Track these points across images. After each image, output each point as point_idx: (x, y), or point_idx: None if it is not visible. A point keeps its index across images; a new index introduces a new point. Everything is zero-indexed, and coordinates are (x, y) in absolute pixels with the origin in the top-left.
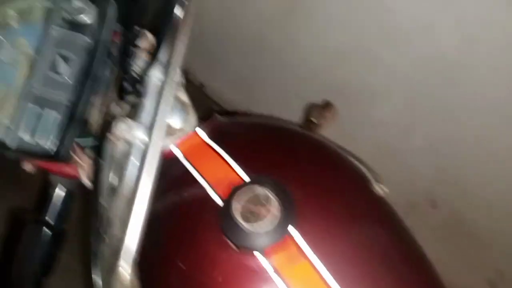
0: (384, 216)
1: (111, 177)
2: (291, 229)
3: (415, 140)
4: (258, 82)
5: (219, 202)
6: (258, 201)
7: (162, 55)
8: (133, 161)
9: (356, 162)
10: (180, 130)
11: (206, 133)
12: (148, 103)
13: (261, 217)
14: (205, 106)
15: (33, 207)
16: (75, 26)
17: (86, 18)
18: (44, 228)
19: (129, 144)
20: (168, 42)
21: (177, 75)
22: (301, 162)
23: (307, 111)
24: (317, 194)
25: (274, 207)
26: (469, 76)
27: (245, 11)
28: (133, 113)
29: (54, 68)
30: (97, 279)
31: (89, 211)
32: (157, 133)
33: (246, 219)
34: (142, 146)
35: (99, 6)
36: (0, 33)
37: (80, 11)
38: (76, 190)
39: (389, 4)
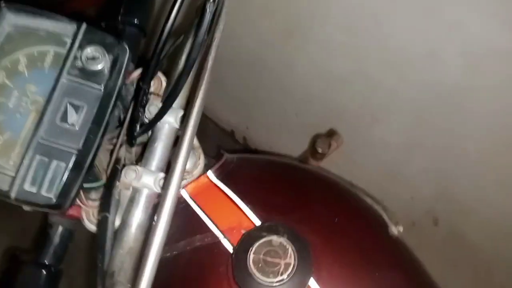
0: (401, 260)
1: (116, 224)
2: (308, 279)
3: (417, 160)
4: (257, 103)
5: (231, 249)
6: (274, 251)
7: (177, 100)
8: (141, 209)
9: (370, 201)
10: (189, 173)
11: (215, 174)
12: (159, 149)
13: (278, 268)
14: (203, 126)
15: (31, 245)
16: (87, 74)
17: (99, 65)
18: (42, 270)
19: (138, 191)
20: (185, 88)
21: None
22: (315, 205)
23: (312, 141)
24: (333, 240)
25: (290, 258)
26: (471, 100)
27: (244, 33)
28: (142, 159)
29: (63, 117)
30: None
31: (89, 252)
32: (173, 187)
33: (262, 271)
34: (152, 194)
35: (112, 53)
36: (8, 80)
37: (93, 58)
38: (77, 230)
39: (389, 30)
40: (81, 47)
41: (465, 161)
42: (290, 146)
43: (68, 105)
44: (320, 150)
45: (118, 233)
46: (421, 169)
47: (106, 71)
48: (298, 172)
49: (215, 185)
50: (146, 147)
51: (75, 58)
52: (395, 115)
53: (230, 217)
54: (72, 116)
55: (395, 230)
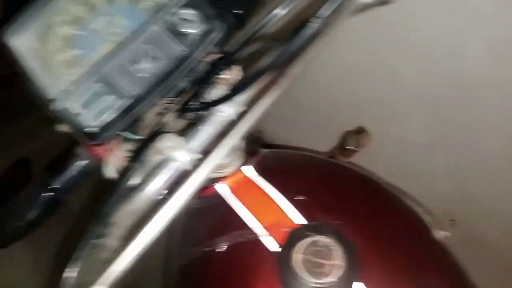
0: (446, 264)
1: (133, 182)
2: (355, 282)
3: (435, 158)
4: None
5: (274, 247)
6: (321, 252)
7: (243, 97)
8: (163, 179)
9: (413, 203)
10: (221, 168)
11: (253, 169)
12: (205, 132)
13: (325, 270)
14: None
15: (46, 165)
16: (177, 33)
17: (192, 30)
18: (46, 193)
19: (168, 161)
20: (255, 89)
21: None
22: (359, 205)
23: (342, 138)
24: (378, 242)
25: (339, 259)
26: (495, 95)
27: None
28: (185, 134)
29: (136, 60)
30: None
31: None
32: (204, 169)
33: (309, 272)
34: (179, 170)
35: (209, 25)
36: (106, 6)
37: (189, 21)
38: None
39: (414, 23)
40: (183, 6)
41: (487, 161)
42: (305, 141)
43: (148, 52)
44: (351, 148)
45: (134, 190)
46: (440, 168)
47: (196, 38)
48: (338, 170)
49: (253, 181)
50: (192, 126)
51: (174, 13)
52: (415, 109)
53: (271, 214)
54: (146, 63)
55: (440, 234)
